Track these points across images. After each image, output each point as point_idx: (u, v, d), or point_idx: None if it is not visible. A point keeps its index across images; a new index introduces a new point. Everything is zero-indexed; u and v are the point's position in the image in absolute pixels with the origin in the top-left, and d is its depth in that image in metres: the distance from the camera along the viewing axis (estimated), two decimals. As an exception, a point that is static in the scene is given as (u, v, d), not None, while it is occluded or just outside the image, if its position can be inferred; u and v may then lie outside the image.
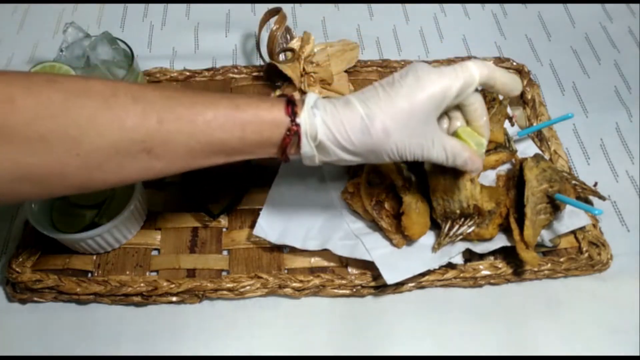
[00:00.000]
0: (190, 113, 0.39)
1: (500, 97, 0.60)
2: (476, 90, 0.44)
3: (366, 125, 0.40)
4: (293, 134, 0.41)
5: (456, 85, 0.41)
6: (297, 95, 0.66)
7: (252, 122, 0.40)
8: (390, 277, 0.52)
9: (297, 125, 0.41)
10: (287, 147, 0.42)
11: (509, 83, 0.44)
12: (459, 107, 0.45)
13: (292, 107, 0.41)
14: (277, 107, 0.41)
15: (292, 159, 0.43)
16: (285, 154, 0.42)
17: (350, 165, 0.44)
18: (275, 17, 0.66)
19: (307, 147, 0.41)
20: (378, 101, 0.41)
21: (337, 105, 0.41)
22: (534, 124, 0.66)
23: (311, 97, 0.42)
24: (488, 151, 0.60)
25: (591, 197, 0.60)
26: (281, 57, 0.69)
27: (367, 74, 0.72)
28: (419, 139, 0.41)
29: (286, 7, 0.70)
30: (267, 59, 0.68)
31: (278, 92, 0.69)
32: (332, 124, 0.41)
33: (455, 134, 0.45)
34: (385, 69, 0.72)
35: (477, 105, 0.44)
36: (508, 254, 0.56)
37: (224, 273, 0.56)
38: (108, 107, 0.37)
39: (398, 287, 0.55)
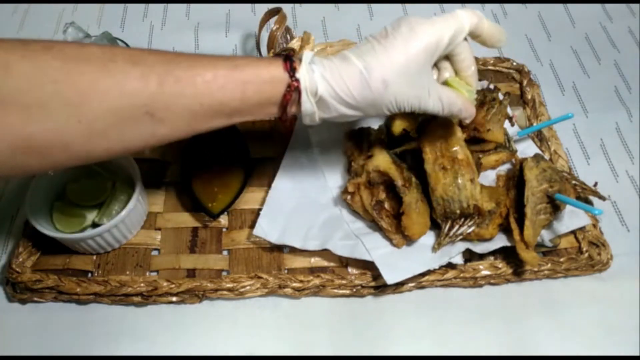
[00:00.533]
0: (189, 75, 0.39)
1: (501, 97, 0.60)
2: (465, 39, 0.44)
3: (365, 79, 0.40)
4: (293, 90, 0.41)
5: (448, 34, 0.42)
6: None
7: (251, 82, 0.40)
8: (390, 277, 0.52)
9: (297, 80, 0.40)
10: (288, 104, 0.41)
11: (496, 33, 0.45)
12: (447, 57, 0.45)
13: (290, 64, 0.41)
14: (275, 64, 0.41)
15: (294, 116, 0.44)
16: (286, 112, 0.42)
17: (349, 120, 0.45)
18: (275, 17, 0.66)
19: (307, 104, 0.41)
20: (374, 54, 0.41)
21: (334, 60, 0.42)
22: (534, 124, 0.66)
23: (308, 54, 0.42)
24: (488, 151, 0.60)
25: (591, 197, 0.60)
26: (281, 57, 0.69)
27: (367, 74, 0.72)
28: (416, 90, 0.42)
29: (286, 7, 0.70)
30: (267, 59, 0.68)
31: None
32: (331, 79, 0.41)
33: (445, 84, 0.46)
34: (385, 69, 0.72)
35: (465, 54, 0.45)
36: (508, 254, 0.56)
37: (224, 273, 0.56)
38: (107, 72, 0.37)
39: (398, 287, 0.55)
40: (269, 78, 0.40)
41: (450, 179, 0.52)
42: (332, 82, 0.41)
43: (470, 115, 0.46)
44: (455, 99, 0.44)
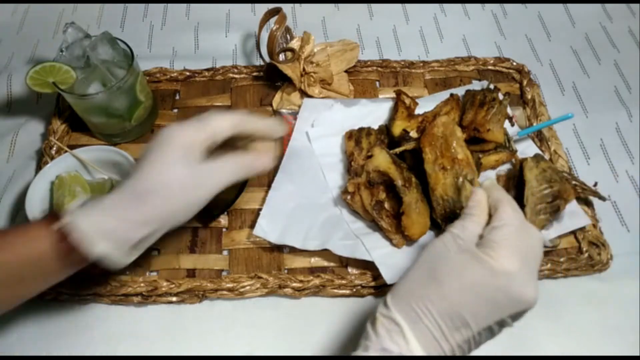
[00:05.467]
0: None
1: (500, 97, 0.60)
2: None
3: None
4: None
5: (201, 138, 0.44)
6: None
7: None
8: (390, 277, 0.52)
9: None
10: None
11: (266, 129, 0.48)
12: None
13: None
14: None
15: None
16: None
17: None
18: (275, 17, 0.66)
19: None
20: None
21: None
22: (534, 124, 0.66)
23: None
24: (488, 151, 0.60)
25: (591, 198, 0.60)
26: (281, 57, 0.69)
27: (367, 74, 0.72)
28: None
29: (286, 7, 0.70)
30: (267, 59, 0.68)
31: (279, 93, 0.69)
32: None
33: None
34: (385, 69, 0.72)
35: (252, 130, 0.47)
36: (508, 254, 0.56)
37: (224, 273, 0.56)
38: None
39: (398, 287, 0.55)
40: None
41: (450, 179, 0.52)
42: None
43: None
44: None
